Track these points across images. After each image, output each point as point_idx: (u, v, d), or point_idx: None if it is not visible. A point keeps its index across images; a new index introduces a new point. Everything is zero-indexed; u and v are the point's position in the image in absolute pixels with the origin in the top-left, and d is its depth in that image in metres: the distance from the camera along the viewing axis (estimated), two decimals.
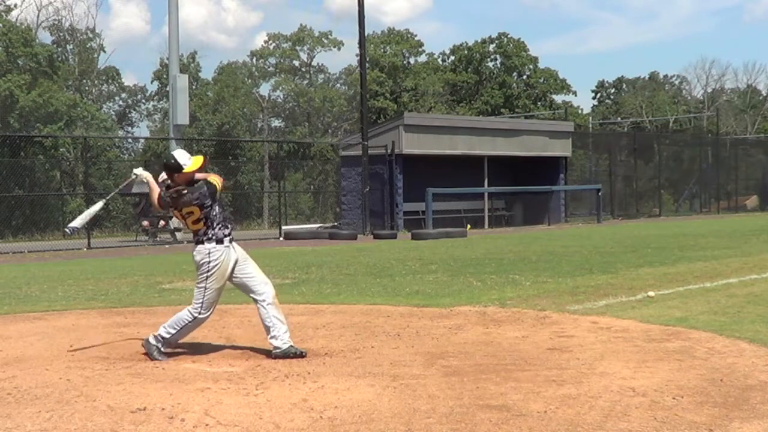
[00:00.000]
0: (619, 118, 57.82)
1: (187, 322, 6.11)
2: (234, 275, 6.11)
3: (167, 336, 6.09)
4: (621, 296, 9.07)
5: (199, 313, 6.09)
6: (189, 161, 6.02)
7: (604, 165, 36.13)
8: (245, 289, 6.18)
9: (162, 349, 6.07)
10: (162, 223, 21.99)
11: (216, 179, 6.09)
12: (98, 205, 6.70)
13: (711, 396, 4.75)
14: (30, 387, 5.17)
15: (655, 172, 37.62)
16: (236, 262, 6.10)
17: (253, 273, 6.14)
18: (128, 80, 70.55)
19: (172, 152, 6.24)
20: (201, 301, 6.06)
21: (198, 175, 6.06)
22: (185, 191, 5.96)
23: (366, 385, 5.09)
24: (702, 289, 9.54)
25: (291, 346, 6.03)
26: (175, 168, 5.99)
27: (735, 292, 9.25)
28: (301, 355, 5.98)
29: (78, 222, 6.42)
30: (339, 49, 51.75)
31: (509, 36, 55.61)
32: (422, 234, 21.72)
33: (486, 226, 28.64)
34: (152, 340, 6.08)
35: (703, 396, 4.75)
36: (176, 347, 6.25)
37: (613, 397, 4.73)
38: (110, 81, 48.43)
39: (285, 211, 30.01)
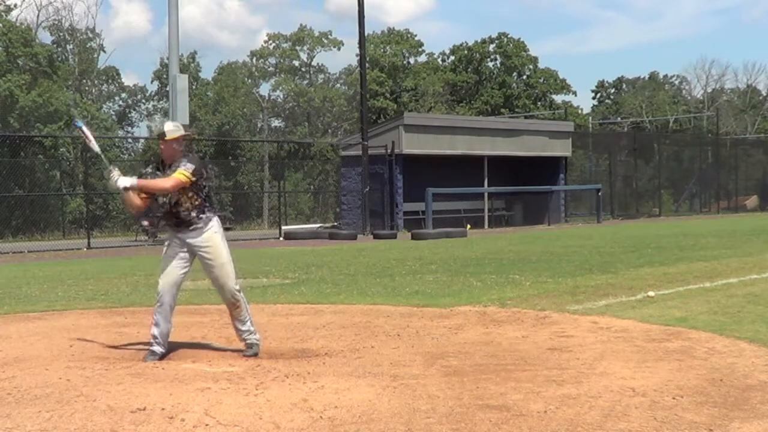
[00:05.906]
0: (619, 118, 57.86)
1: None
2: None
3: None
4: (621, 296, 9.06)
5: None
6: (176, 131, 6.00)
7: (604, 165, 36.17)
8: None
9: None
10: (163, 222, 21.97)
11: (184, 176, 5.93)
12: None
13: (711, 396, 4.75)
14: (30, 387, 5.16)
15: (655, 172, 37.65)
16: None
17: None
18: (128, 80, 70.79)
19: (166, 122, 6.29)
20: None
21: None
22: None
23: (366, 385, 5.08)
24: (702, 289, 9.53)
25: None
26: (159, 134, 6.09)
27: (735, 292, 9.24)
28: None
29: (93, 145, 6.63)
30: (339, 49, 51.93)
31: (509, 36, 55.70)
32: (422, 234, 21.72)
33: (486, 226, 28.66)
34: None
35: (703, 396, 4.75)
36: (176, 347, 6.25)
37: (613, 397, 4.72)
38: (110, 81, 48.48)
39: (285, 211, 30.02)
